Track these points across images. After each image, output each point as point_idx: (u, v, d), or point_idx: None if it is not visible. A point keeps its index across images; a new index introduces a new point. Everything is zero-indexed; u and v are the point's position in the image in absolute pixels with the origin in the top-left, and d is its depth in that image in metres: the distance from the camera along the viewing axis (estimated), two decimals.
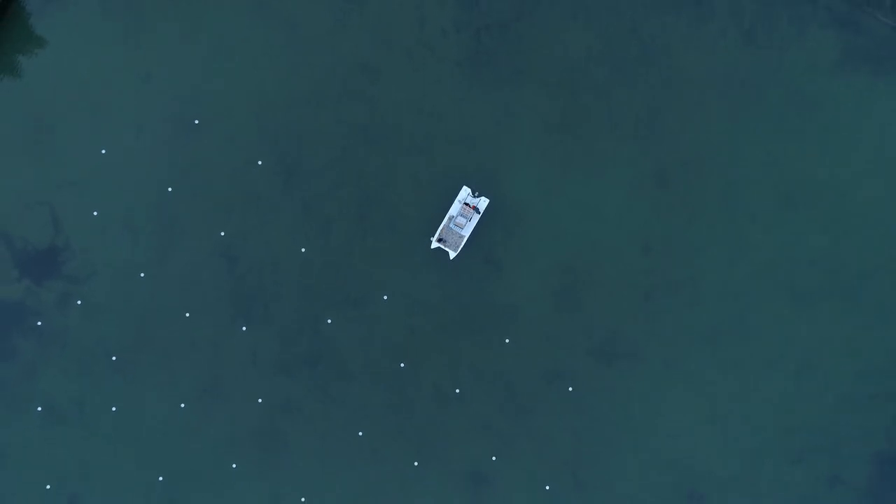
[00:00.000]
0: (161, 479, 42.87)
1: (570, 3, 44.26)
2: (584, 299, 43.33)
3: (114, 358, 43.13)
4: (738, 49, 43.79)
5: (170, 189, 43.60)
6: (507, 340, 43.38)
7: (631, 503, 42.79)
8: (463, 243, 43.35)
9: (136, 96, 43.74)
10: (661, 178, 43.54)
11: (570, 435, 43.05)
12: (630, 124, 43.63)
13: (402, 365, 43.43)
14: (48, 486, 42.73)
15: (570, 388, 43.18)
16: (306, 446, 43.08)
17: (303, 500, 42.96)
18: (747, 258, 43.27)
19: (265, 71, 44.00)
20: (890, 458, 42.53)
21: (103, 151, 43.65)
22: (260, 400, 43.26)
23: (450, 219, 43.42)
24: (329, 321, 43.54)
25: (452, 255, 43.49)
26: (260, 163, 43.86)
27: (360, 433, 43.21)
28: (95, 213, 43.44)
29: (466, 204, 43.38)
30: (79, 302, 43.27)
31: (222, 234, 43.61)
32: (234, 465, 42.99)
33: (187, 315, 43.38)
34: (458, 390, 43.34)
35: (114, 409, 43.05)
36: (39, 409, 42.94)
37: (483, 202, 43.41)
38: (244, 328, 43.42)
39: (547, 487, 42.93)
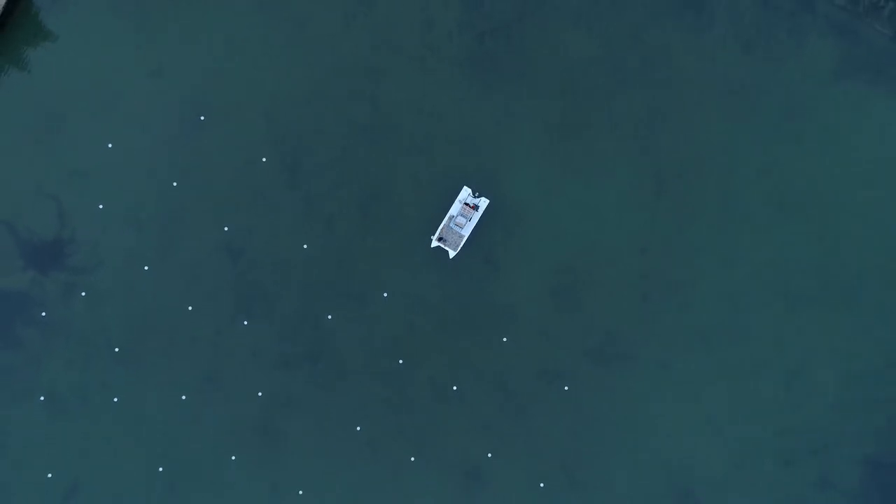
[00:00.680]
0: (161, 469, 43.22)
1: (573, 8, 44.72)
2: (582, 300, 43.75)
3: (116, 349, 43.54)
4: (737, 56, 44.26)
5: (175, 184, 44.04)
6: (504, 339, 43.79)
7: (624, 502, 43.17)
8: (462, 243, 43.76)
9: (143, 92, 44.20)
10: (659, 182, 43.98)
11: (565, 434, 43.44)
12: (629, 128, 44.09)
13: (401, 362, 43.83)
14: (49, 475, 43.09)
15: (566, 388, 43.58)
16: (305, 440, 43.45)
17: (301, 492, 43.29)
18: (742, 263, 43.73)
19: (271, 70, 44.46)
20: (879, 462, 42.94)
21: (110, 146, 44.10)
22: (260, 393, 43.67)
23: (450, 218, 43.84)
24: (329, 317, 43.96)
25: (452, 254, 43.89)
26: (264, 160, 44.29)
27: (359, 428, 43.59)
28: (101, 207, 43.87)
29: (467, 204, 43.81)
30: (83, 293, 43.69)
31: (226, 229, 44.05)
32: (233, 457, 43.34)
33: (190, 308, 43.79)
34: (455, 388, 43.75)
35: (115, 399, 43.41)
36: (42, 398, 43.31)
37: (483, 202, 43.83)
38: (245, 322, 43.83)
39: (541, 485, 43.30)
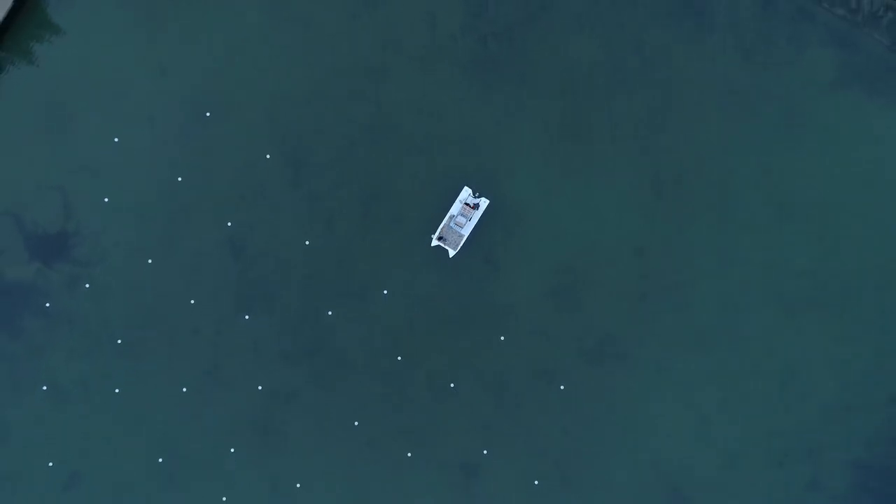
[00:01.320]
0: (161, 460, 43.62)
1: (576, 12, 45.05)
2: (580, 300, 44.10)
3: (119, 341, 43.93)
4: (736, 63, 44.58)
5: (179, 179, 44.43)
6: (502, 338, 44.16)
7: (616, 500, 43.55)
8: (462, 242, 44.11)
9: (150, 87, 44.55)
10: (658, 184, 44.33)
11: (560, 432, 43.81)
12: (629, 130, 44.45)
13: (400, 358, 44.21)
14: (50, 464, 43.50)
15: (562, 387, 43.96)
16: (304, 434, 43.82)
17: (298, 485, 43.69)
18: (739, 267, 44.11)
19: (276, 68, 44.82)
20: (867, 466, 43.34)
21: (116, 140, 44.46)
22: (260, 387, 44.04)
23: (450, 218, 44.19)
24: (330, 313, 44.32)
25: (452, 253, 44.24)
26: (268, 157, 44.67)
27: (357, 423, 43.94)
28: (106, 200, 44.25)
29: (467, 204, 44.18)
30: (87, 285, 44.06)
31: (229, 224, 44.43)
32: (232, 450, 43.73)
33: (192, 302, 44.17)
34: (452, 385, 44.14)
35: (117, 390, 43.78)
36: (45, 387, 43.69)
37: (483, 202, 44.19)
38: (247, 317, 44.21)
39: (535, 482, 43.69)
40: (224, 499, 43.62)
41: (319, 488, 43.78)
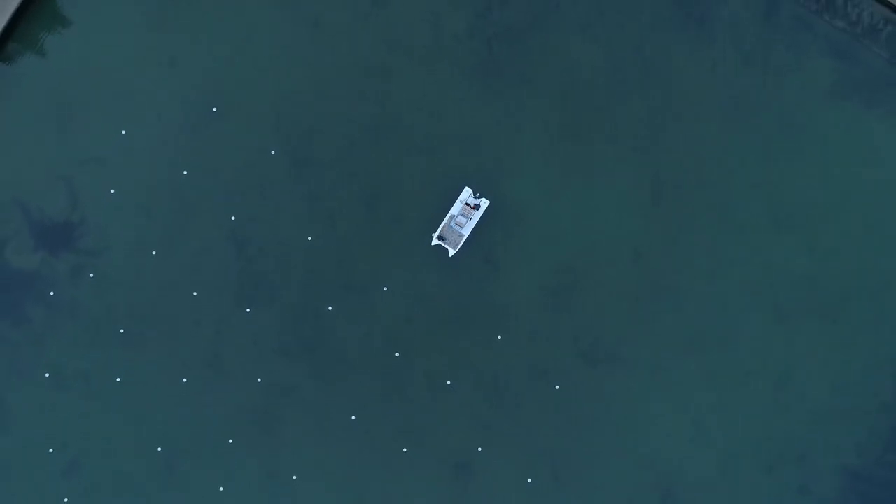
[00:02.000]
0: (159, 449, 43.96)
1: (580, 18, 45.41)
2: (577, 302, 44.38)
3: (121, 330, 44.29)
4: (736, 71, 44.93)
5: (185, 172, 44.81)
6: (499, 337, 44.46)
7: (608, 500, 43.79)
8: (462, 242, 44.42)
9: (158, 81, 44.96)
10: (657, 188, 44.61)
11: (554, 431, 44.04)
12: (629, 134, 44.76)
13: (398, 354, 44.51)
14: (50, 450, 43.87)
15: (557, 387, 44.23)
16: (301, 427, 44.11)
17: (295, 477, 43.99)
18: (734, 273, 44.35)
19: (284, 65, 45.22)
20: (858, 473, 43.54)
21: (123, 132, 44.88)
22: (259, 379, 44.37)
23: (451, 217, 44.51)
24: (330, 308, 44.65)
25: (452, 252, 44.56)
26: (273, 152, 45.06)
27: (353, 417, 44.25)
28: (112, 191, 44.66)
29: (467, 204, 44.51)
30: (91, 275, 44.43)
31: (233, 218, 44.81)
32: (230, 441, 44.05)
33: (194, 294, 44.53)
34: (449, 382, 44.45)
35: (118, 379, 44.14)
36: (47, 375, 44.07)
37: (484, 203, 44.55)
38: (248, 310, 44.56)
39: (528, 480, 43.93)
40: (221, 488, 43.93)
41: (315, 480, 44.01)
